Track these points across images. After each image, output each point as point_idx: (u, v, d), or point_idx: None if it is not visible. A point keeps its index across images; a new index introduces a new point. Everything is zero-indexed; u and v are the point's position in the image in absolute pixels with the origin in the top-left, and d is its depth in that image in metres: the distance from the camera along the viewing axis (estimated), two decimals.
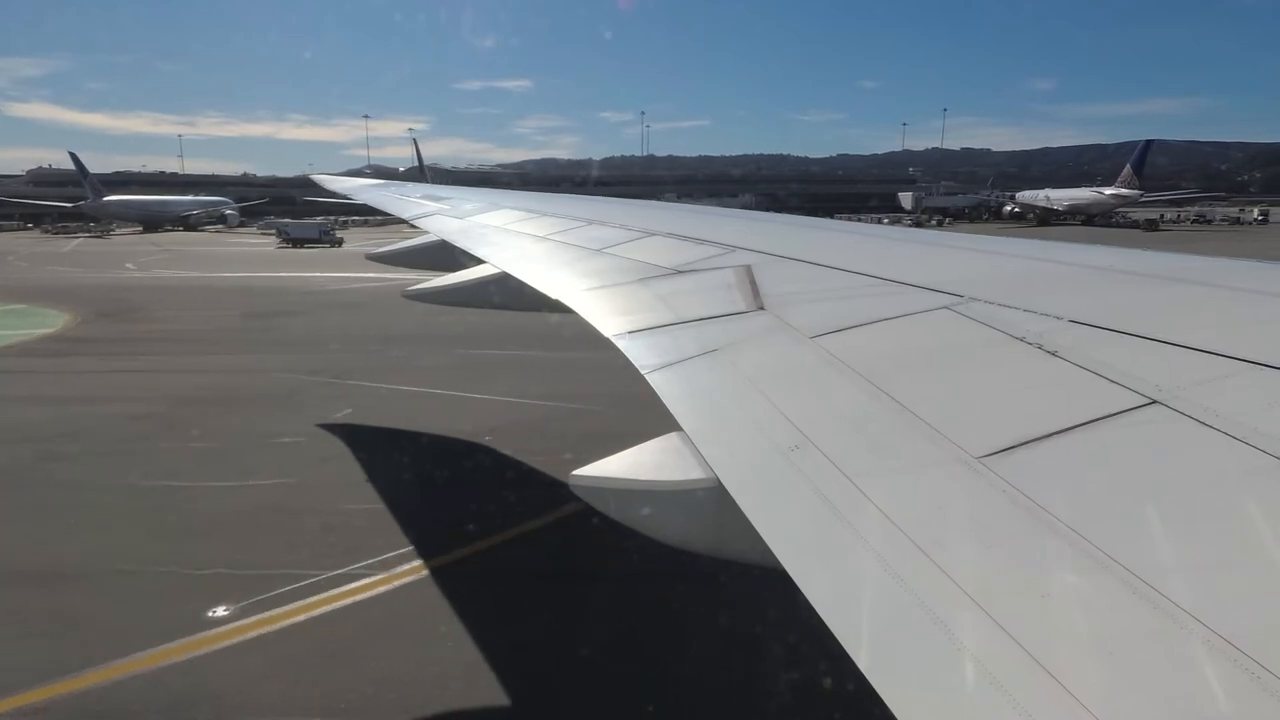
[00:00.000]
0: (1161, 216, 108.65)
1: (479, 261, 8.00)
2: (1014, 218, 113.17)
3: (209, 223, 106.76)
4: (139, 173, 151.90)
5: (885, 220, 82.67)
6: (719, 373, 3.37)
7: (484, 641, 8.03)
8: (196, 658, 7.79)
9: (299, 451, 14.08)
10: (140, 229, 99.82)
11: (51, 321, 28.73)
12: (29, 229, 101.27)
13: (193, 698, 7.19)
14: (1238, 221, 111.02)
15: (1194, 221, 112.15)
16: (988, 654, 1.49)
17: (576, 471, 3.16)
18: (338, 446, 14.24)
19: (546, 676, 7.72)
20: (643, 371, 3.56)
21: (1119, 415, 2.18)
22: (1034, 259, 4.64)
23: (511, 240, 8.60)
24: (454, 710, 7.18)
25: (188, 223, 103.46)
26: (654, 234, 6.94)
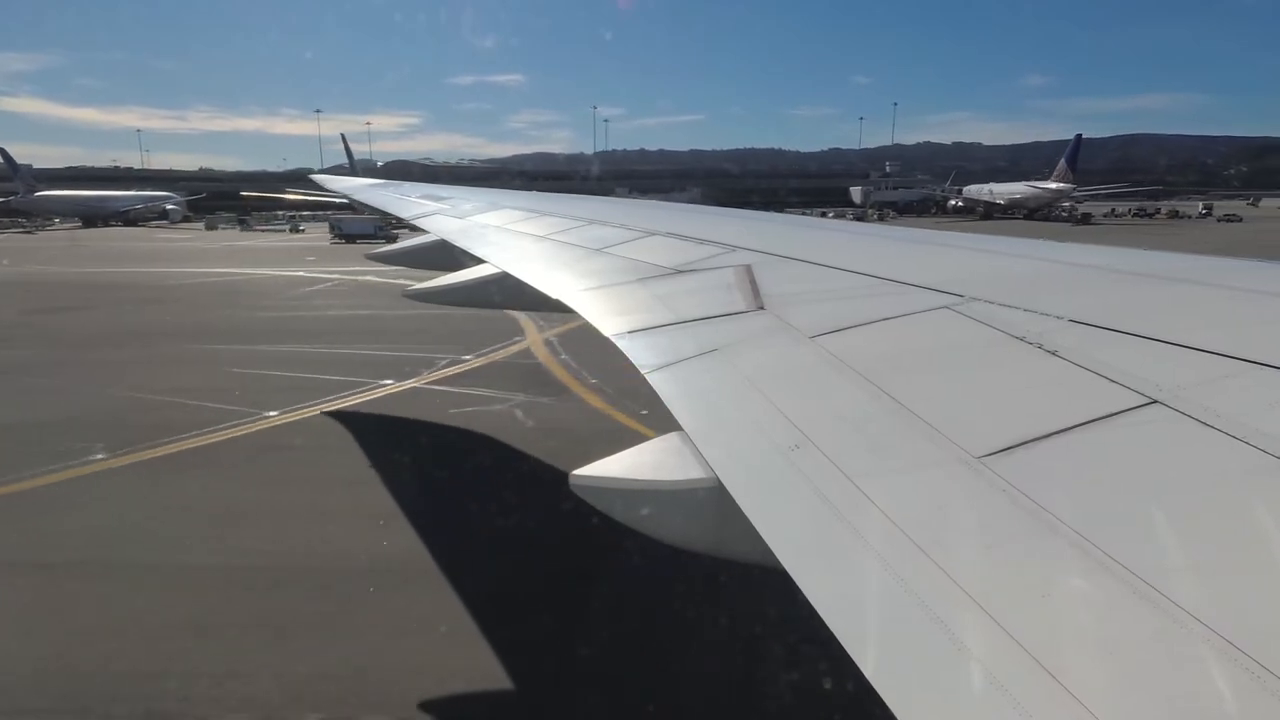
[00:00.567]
0: (1113, 210, 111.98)
1: (479, 261, 8.00)
2: (959, 212, 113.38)
3: (151, 218, 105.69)
4: (90, 167, 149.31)
5: (829, 214, 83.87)
6: (719, 373, 3.37)
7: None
8: None
9: None
10: (79, 224, 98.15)
11: None
12: None
13: None
14: (1177, 215, 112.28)
15: (1134, 215, 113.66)
16: (988, 654, 1.49)
17: (576, 471, 3.15)
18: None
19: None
20: (643, 371, 3.55)
21: (1119, 415, 2.18)
22: (1034, 259, 4.64)
23: (511, 240, 8.61)
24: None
25: (127, 218, 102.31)
26: (654, 234, 6.94)
